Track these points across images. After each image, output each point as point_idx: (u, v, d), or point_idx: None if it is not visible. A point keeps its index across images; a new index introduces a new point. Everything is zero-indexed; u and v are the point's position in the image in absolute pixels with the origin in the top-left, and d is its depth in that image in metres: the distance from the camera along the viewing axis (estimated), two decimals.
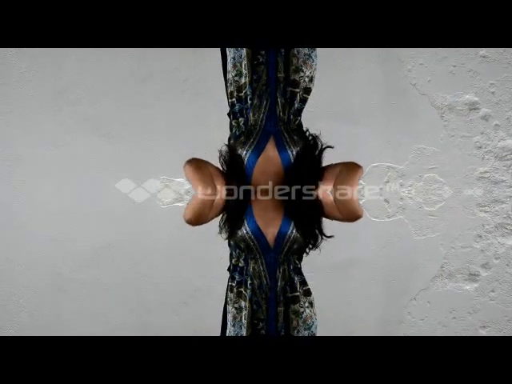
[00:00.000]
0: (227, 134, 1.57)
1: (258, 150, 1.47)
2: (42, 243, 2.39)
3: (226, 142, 1.53)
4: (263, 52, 1.48)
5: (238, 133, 1.51)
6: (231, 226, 1.50)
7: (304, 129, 1.52)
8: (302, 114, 1.53)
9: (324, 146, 1.49)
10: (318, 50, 1.53)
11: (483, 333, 2.41)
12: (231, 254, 1.58)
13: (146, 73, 2.38)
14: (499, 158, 2.37)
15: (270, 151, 1.47)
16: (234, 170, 1.48)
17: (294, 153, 1.47)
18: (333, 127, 2.25)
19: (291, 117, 1.50)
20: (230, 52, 1.51)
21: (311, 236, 1.49)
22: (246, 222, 1.48)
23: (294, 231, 1.47)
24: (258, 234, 1.47)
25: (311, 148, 1.48)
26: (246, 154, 1.47)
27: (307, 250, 1.53)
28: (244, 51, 1.48)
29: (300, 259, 1.55)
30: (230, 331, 1.53)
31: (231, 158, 1.49)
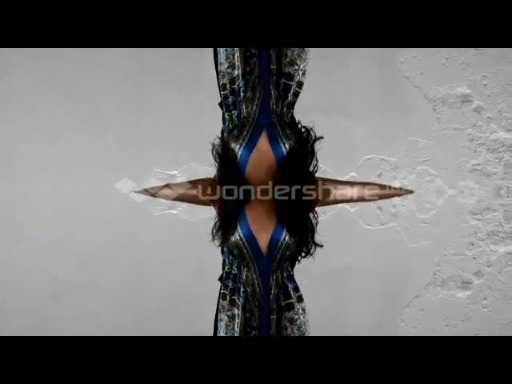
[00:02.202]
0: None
1: (251, 144, 1.45)
2: (41, 244, 2.37)
3: (219, 135, 1.52)
4: None
5: (231, 126, 1.50)
6: (224, 232, 1.48)
7: (296, 121, 1.51)
8: (296, 108, 1.52)
9: (315, 138, 1.47)
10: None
11: None
12: (224, 262, 1.56)
13: (145, 72, 2.36)
14: (491, 150, 2.38)
15: (263, 145, 1.45)
16: (227, 163, 1.47)
17: (287, 146, 1.45)
18: (326, 120, 2.24)
19: (284, 109, 1.49)
20: None
21: (304, 244, 1.48)
22: (239, 227, 1.46)
23: (287, 238, 1.46)
24: (251, 239, 1.45)
25: (304, 141, 1.47)
26: (239, 147, 1.45)
27: (299, 258, 1.52)
28: None
29: (292, 266, 1.54)
30: None
31: (224, 151, 1.47)
